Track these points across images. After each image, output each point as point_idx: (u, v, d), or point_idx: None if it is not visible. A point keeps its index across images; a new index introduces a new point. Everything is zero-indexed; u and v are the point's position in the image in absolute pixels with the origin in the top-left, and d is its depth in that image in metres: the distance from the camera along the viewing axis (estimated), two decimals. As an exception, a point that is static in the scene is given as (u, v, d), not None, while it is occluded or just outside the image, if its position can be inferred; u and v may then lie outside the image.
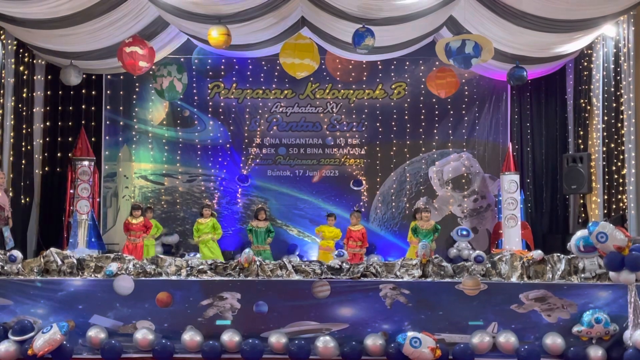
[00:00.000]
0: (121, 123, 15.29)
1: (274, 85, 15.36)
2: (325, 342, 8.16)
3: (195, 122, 15.45)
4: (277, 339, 8.22)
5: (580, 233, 8.37)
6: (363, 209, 15.12)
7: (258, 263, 8.77)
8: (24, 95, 13.11)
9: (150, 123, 15.40)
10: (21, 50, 12.97)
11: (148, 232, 13.48)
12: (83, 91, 14.69)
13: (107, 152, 15.19)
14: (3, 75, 12.31)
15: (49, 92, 14.26)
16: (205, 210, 13.74)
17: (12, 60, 12.65)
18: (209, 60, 15.23)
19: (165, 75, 14.53)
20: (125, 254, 9.54)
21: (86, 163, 13.93)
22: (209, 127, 15.42)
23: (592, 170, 13.24)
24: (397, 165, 15.38)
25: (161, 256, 9.11)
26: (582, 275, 8.49)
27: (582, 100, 13.88)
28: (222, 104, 15.45)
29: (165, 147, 15.38)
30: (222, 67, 15.36)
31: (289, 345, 8.20)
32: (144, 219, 13.44)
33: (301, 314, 8.36)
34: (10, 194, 12.30)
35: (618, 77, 12.20)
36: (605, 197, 12.69)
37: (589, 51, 13.39)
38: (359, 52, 12.20)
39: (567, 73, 14.54)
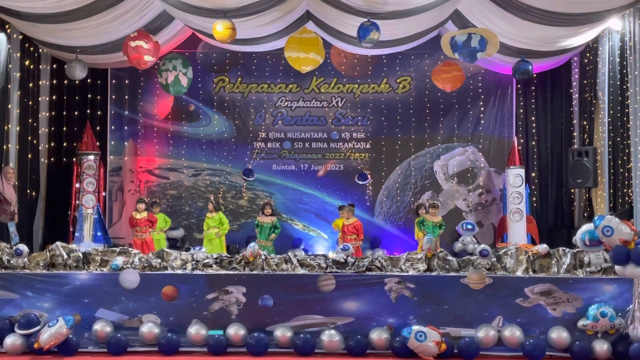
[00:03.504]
0: (126, 117, 15.33)
1: (279, 80, 15.38)
2: (330, 336, 8.18)
3: (200, 116, 15.48)
4: (282, 332, 8.24)
5: (586, 227, 8.36)
6: (368, 203, 15.15)
7: (263, 257, 8.79)
8: (30, 90, 13.14)
9: (155, 117, 15.43)
10: (27, 45, 12.99)
11: (154, 227, 13.48)
12: (88, 85, 14.74)
13: (112, 147, 15.22)
14: (9, 70, 12.32)
15: (54, 86, 14.31)
16: (209, 204, 13.71)
17: (18, 55, 12.67)
18: (214, 55, 15.24)
19: (170, 70, 14.52)
20: (131, 248, 9.56)
21: (92, 157, 13.96)
22: (214, 121, 15.45)
23: (597, 164, 13.20)
24: (402, 159, 15.38)
25: (167, 250, 9.13)
26: (588, 269, 8.48)
27: (587, 94, 13.85)
28: (227, 99, 15.46)
29: (171, 142, 15.41)
30: (227, 61, 15.37)
31: (294, 339, 8.22)
32: (148, 213, 13.43)
33: (306, 308, 8.38)
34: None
35: (624, 71, 12.15)
36: (611, 191, 12.65)
37: (595, 45, 13.35)
38: (364, 46, 12.18)
39: (573, 67, 14.50)
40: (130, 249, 9.26)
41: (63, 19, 11.79)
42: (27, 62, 13.03)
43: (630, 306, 7.94)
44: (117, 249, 9.05)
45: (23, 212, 12.40)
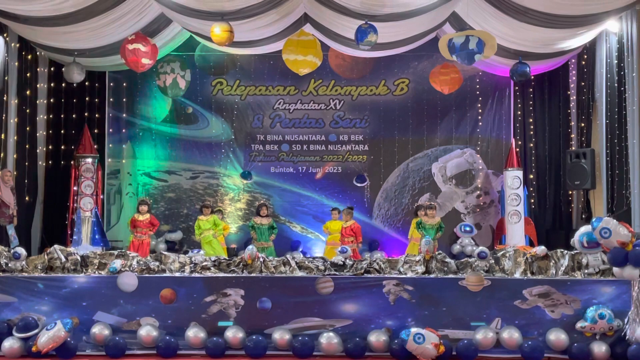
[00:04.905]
0: (124, 120, 15.33)
1: (276, 82, 15.37)
2: (328, 338, 8.17)
3: (198, 119, 15.48)
4: (280, 335, 8.23)
5: (584, 229, 8.39)
6: (366, 205, 15.17)
7: (261, 259, 8.78)
8: (28, 93, 13.15)
9: (153, 120, 15.43)
10: (25, 48, 12.99)
11: (154, 230, 13.43)
12: (86, 88, 14.74)
13: (110, 149, 15.23)
14: (7, 73, 12.32)
15: (52, 90, 14.32)
16: (205, 209, 13.55)
17: (16, 57, 12.66)
18: (212, 57, 15.23)
19: (168, 73, 14.56)
20: (130, 251, 9.56)
21: (89, 160, 13.96)
22: (212, 123, 15.45)
23: (595, 166, 13.21)
24: (400, 161, 15.38)
25: (165, 253, 9.13)
26: (586, 270, 8.48)
27: (585, 96, 13.88)
28: (225, 101, 15.46)
29: (169, 144, 15.41)
30: (225, 64, 15.37)
31: (292, 342, 8.21)
32: (150, 216, 13.38)
33: (305, 310, 8.36)
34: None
35: (621, 73, 12.17)
36: (609, 192, 12.66)
37: (592, 47, 13.38)
38: (361, 48, 12.19)
39: (570, 69, 14.53)
40: (128, 252, 9.26)
41: (61, 22, 11.79)
42: (25, 65, 13.02)
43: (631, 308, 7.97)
44: (115, 252, 9.05)
45: (21, 215, 12.39)
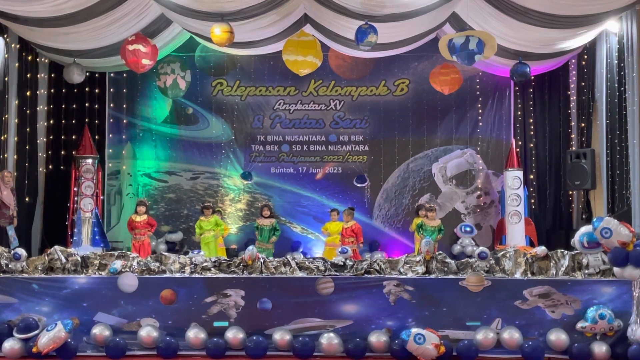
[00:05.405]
0: (124, 121, 15.33)
1: (276, 83, 15.36)
2: (329, 339, 8.18)
3: (199, 119, 15.48)
4: (281, 335, 8.23)
5: (585, 229, 8.38)
6: (366, 206, 15.16)
7: (262, 260, 8.78)
8: (28, 93, 13.14)
9: (153, 121, 15.43)
10: (24, 49, 12.98)
11: (152, 230, 13.41)
12: (86, 89, 14.76)
13: (110, 150, 15.23)
14: (7, 73, 12.32)
15: (52, 91, 14.31)
16: (206, 210, 13.47)
17: (16, 58, 12.66)
18: (212, 58, 15.22)
19: (168, 73, 14.55)
20: (130, 252, 9.56)
21: (90, 161, 13.97)
22: (212, 124, 15.45)
23: (595, 166, 13.21)
24: (400, 161, 15.38)
25: (165, 253, 9.11)
26: (586, 271, 8.48)
27: (585, 96, 13.88)
28: (225, 102, 15.45)
29: (169, 145, 15.41)
30: (225, 64, 15.36)
31: (293, 342, 8.21)
32: (148, 217, 13.36)
33: (305, 311, 8.37)
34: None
35: (622, 73, 12.16)
36: (609, 192, 12.65)
37: (592, 47, 13.37)
38: (361, 48, 12.19)
39: (570, 69, 14.52)
40: (128, 252, 9.26)
41: (61, 23, 11.78)
42: (25, 66, 13.01)
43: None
44: (116, 253, 9.04)
45: (22, 216, 12.38)
